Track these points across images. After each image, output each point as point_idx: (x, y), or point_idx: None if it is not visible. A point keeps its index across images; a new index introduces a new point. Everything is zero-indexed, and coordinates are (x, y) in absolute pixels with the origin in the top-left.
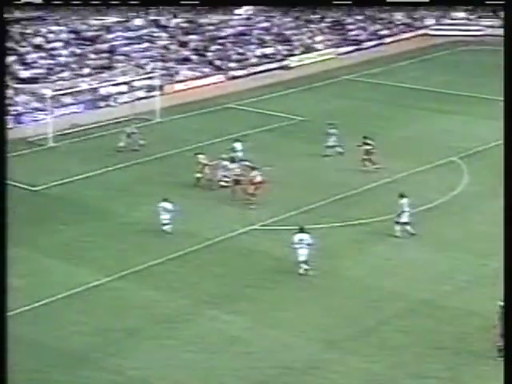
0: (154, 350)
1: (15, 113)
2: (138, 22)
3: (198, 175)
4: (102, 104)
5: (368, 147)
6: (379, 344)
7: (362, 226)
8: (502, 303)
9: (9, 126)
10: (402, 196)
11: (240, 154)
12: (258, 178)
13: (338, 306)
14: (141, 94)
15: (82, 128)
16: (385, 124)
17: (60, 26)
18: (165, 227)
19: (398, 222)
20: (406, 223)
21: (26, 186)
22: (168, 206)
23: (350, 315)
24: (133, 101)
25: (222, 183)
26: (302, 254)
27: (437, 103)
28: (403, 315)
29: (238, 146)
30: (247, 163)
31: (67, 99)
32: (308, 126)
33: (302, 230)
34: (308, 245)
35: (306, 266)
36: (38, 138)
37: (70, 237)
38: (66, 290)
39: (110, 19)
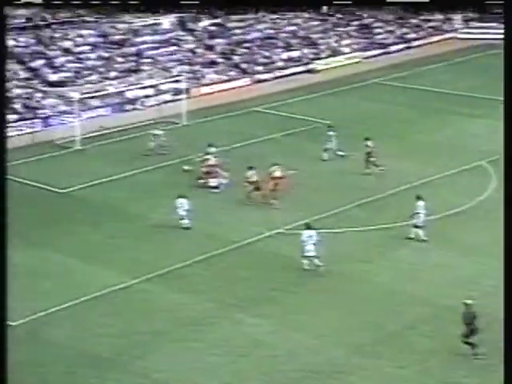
0: (179, 352)
1: (43, 116)
2: (165, 25)
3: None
4: (129, 107)
5: (368, 149)
6: (404, 349)
7: (387, 231)
8: (469, 301)
9: (37, 129)
10: (418, 198)
11: None
12: (277, 173)
13: (361, 310)
14: (167, 97)
15: (109, 131)
16: (412, 128)
17: (88, 29)
18: (182, 221)
19: (414, 226)
20: (419, 227)
21: (53, 188)
22: (184, 202)
23: (374, 319)
24: (159, 104)
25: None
26: (310, 249)
27: (465, 107)
28: (428, 320)
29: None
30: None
31: (95, 102)
32: (334, 129)
33: (309, 227)
34: (316, 241)
35: (317, 261)
36: (66, 140)
37: (97, 239)
38: (93, 292)
39: (138, 23)
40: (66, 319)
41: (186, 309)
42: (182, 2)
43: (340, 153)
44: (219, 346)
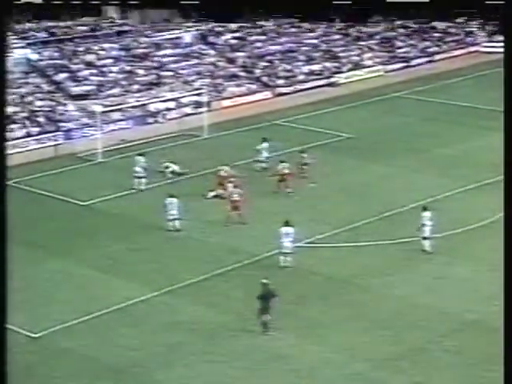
0: (198, 365)
1: (66, 129)
2: (186, 38)
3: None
4: (151, 120)
5: (304, 161)
6: (428, 364)
7: (409, 244)
8: (265, 281)
9: (59, 142)
10: (424, 209)
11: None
12: (286, 171)
13: (384, 324)
14: (189, 110)
15: (131, 144)
16: (433, 142)
17: (111, 43)
18: (171, 223)
19: (424, 237)
20: (425, 238)
21: (75, 201)
22: (174, 201)
23: (397, 334)
24: (181, 117)
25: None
26: (287, 246)
27: (488, 121)
28: (452, 335)
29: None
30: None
31: (116, 115)
32: (355, 143)
33: (287, 224)
34: (293, 239)
35: (289, 259)
36: (88, 153)
37: (118, 251)
38: (114, 305)
39: (160, 36)
40: (87, 331)
41: (205, 321)
42: (182, 2)
43: (263, 165)
44: (238, 360)
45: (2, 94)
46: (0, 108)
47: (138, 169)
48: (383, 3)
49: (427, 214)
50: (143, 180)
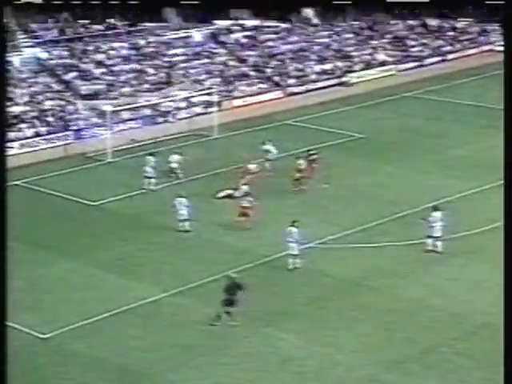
0: (207, 367)
1: (75, 128)
2: (196, 37)
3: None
4: (161, 120)
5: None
6: (438, 367)
7: (422, 246)
8: (233, 275)
9: (69, 141)
10: (434, 209)
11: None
12: (302, 166)
13: (394, 326)
14: (199, 109)
15: (141, 143)
16: (446, 142)
17: (121, 42)
18: (181, 223)
19: (430, 236)
20: (434, 237)
21: (84, 201)
22: (184, 201)
23: (408, 336)
24: (191, 117)
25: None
26: (293, 247)
27: (500, 120)
28: (465, 338)
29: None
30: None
31: (126, 115)
32: (367, 143)
33: (293, 225)
34: (297, 239)
35: (298, 261)
36: (98, 153)
37: (127, 251)
38: (123, 305)
39: (170, 35)
40: (97, 332)
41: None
42: (182, 2)
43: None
44: (247, 361)
45: (2, 94)
46: (1, 109)
47: (148, 169)
48: (383, 3)
49: (438, 213)
50: (153, 180)
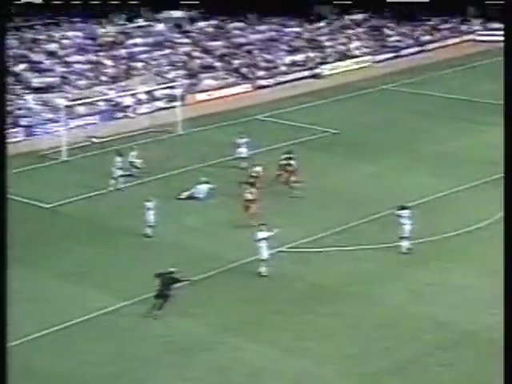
0: (171, 382)
1: (27, 124)
2: (158, 26)
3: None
4: (120, 115)
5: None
6: (420, 378)
7: (399, 248)
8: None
9: (20, 139)
10: (402, 208)
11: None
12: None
13: (374, 336)
14: (161, 104)
15: (98, 141)
16: (426, 138)
17: (76, 30)
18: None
19: (402, 237)
20: (404, 238)
21: (37, 203)
22: (150, 205)
23: (387, 346)
24: (152, 111)
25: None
26: (262, 252)
27: (483, 115)
28: (446, 347)
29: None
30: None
31: (82, 110)
32: (342, 139)
33: (262, 228)
34: (266, 244)
35: (264, 268)
36: (51, 151)
37: (85, 258)
38: (80, 316)
39: (130, 24)
40: (51, 346)
41: (179, 333)
42: (182, 2)
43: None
44: (215, 375)
45: (2, 97)
46: (1, 113)
47: (115, 170)
48: (383, 3)
49: (405, 212)
50: (121, 179)
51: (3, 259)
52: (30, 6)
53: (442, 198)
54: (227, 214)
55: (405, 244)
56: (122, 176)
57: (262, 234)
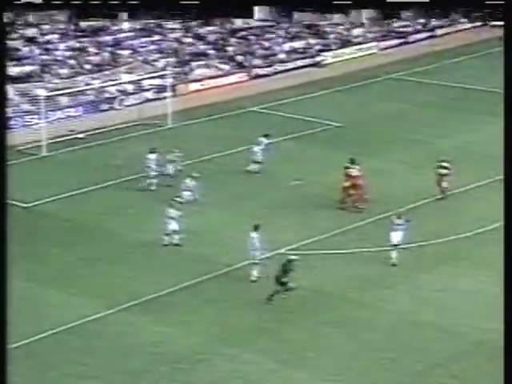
0: None
1: None
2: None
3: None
4: (105, 107)
5: (444, 171)
6: None
7: (408, 252)
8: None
9: None
10: (398, 216)
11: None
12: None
13: (379, 346)
14: (150, 95)
15: (81, 135)
16: (435, 131)
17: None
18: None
19: (393, 245)
20: (396, 245)
21: (15, 202)
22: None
23: (394, 356)
24: (141, 103)
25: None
26: (254, 255)
27: (498, 107)
28: (458, 358)
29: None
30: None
31: (64, 101)
32: (345, 133)
33: (255, 229)
34: (259, 247)
35: (255, 272)
36: (30, 146)
37: (67, 261)
38: (61, 325)
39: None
40: (29, 356)
41: (170, 343)
42: (182, 2)
43: (255, 167)
44: None
45: (2, 97)
46: (1, 113)
47: (146, 167)
48: (383, 3)
49: (399, 220)
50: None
51: (3, 259)
52: (30, 6)
53: (452, 197)
54: (218, 213)
55: (394, 255)
56: (158, 175)
57: (254, 236)
